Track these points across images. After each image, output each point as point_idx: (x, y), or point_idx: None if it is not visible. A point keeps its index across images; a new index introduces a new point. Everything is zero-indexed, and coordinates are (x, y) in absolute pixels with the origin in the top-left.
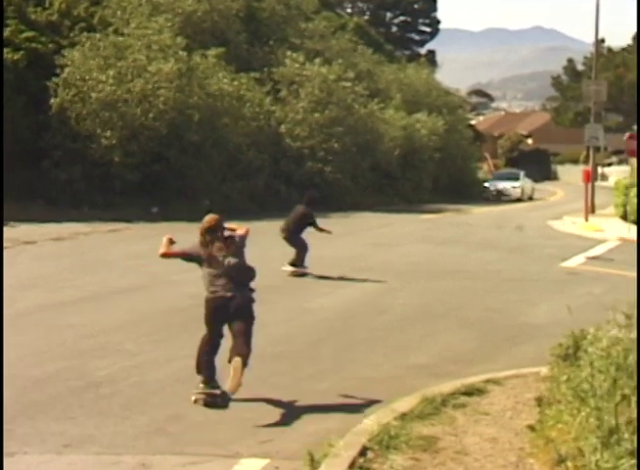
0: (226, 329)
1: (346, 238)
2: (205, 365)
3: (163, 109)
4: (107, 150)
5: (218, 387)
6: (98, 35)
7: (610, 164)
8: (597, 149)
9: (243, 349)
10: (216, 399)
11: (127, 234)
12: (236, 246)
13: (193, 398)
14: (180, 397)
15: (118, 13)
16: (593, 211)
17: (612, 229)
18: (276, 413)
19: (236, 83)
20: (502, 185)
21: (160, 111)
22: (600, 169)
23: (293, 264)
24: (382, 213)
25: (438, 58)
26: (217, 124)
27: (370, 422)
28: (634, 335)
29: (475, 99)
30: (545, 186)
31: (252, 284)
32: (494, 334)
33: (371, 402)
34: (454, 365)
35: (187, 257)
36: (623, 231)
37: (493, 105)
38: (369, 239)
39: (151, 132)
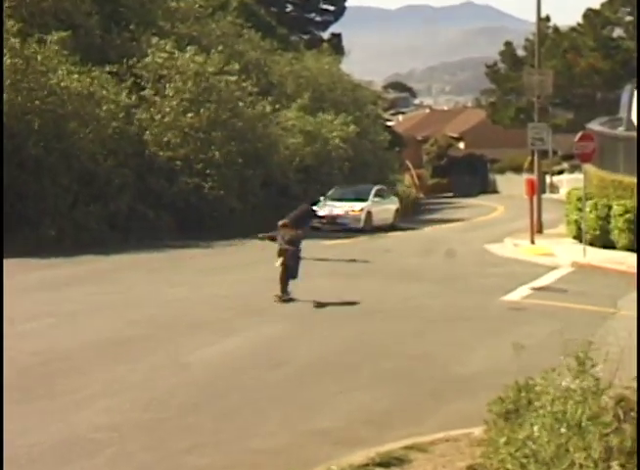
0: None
1: (233, 272)
2: (284, 282)
3: None
4: None
5: (288, 294)
6: None
7: (561, 172)
8: (544, 153)
9: (283, 275)
10: (286, 300)
11: None
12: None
13: (273, 300)
14: None
15: None
16: (540, 230)
17: (563, 252)
18: None
19: (86, 79)
20: (337, 209)
21: None
22: (548, 179)
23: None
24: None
25: (345, 43)
26: (64, 131)
27: None
28: (588, 383)
29: (392, 94)
30: (481, 201)
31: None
32: (419, 388)
33: None
34: (368, 429)
35: (275, 239)
36: (578, 255)
37: (416, 101)
38: (261, 273)
39: None
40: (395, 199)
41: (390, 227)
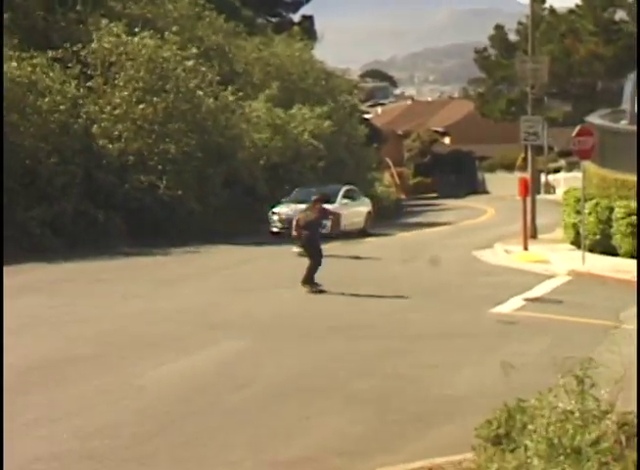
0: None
1: (194, 282)
2: (310, 275)
3: None
4: None
5: (318, 286)
6: None
7: (557, 171)
8: (539, 150)
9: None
10: (316, 291)
11: None
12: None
13: (305, 291)
14: None
15: None
16: (534, 235)
17: (560, 260)
18: None
19: (27, 66)
20: (297, 211)
21: None
22: (543, 178)
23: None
24: (243, 247)
25: (318, 27)
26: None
27: None
28: (588, 406)
29: (371, 83)
30: (469, 202)
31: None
32: (399, 412)
33: None
34: (341, 458)
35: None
36: (576, 262)
37: (396, 91)
38: (225, 283)
39: None
40: (367, 201)
41: (362, 233)
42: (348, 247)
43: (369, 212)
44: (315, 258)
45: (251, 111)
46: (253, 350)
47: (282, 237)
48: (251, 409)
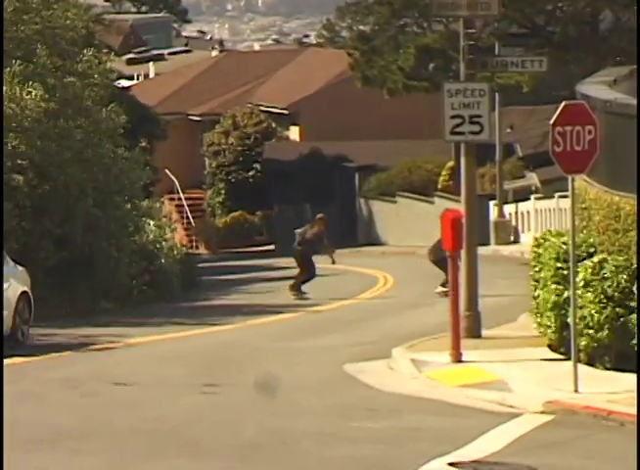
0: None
1: None
2: (298, 282)
3: None
4: None
5: (303, 293)
6: None
7: (524, 198)
8: (484, 153)
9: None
10: (304, 298)
11: None
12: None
13: (293, 297)
14: None
15: None
16: (475, 330)
17: (528, 380)
18: None
19: None
20: None
21: None
22: (494, 211)
23: (443, 285)
24: None
25: None
26: None
27: None
28: None
29: (135, 14)
30: (344, 262)
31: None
32: None
33: None
34: None
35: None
36: (560, 385)
37: (188, 31)
38: None
39: None
40: (20, 271)
41: (11, 340)
42: (74, 362)
43: (24, 295)
44: (308, 270)
45: None
46: None
47: None
48: None
